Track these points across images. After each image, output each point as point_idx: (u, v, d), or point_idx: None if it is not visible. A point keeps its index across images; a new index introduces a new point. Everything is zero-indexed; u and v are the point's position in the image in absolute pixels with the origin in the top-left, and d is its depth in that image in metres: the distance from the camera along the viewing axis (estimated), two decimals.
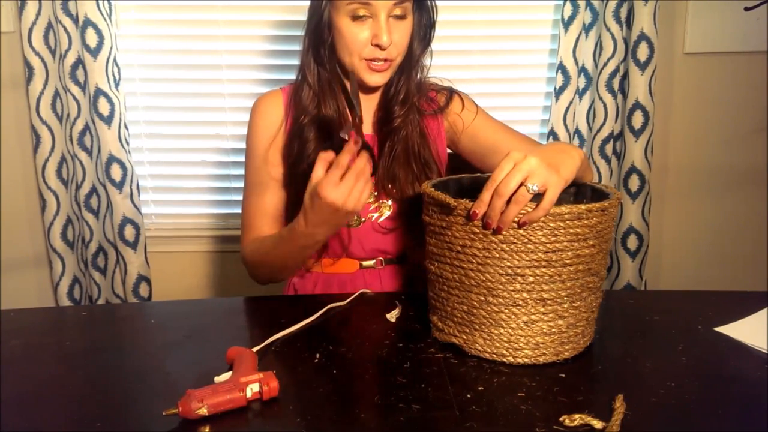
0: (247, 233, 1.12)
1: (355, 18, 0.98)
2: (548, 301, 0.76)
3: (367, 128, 1.12)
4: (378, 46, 0.99)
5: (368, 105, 1.12)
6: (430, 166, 1.10)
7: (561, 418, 0.65)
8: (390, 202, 1.11)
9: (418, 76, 1.11)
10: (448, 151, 1.19)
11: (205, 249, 1.89)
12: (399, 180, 1.08)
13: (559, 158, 0.77)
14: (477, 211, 0.74)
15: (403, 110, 1.08)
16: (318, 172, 0.87)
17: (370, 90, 1.10)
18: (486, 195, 0.73)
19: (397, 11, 0.99)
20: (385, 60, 1.01)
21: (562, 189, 0.75)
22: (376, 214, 1.11)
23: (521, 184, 0.72)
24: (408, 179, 1.08)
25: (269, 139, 1.10)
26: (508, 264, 0.75)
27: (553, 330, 0.77)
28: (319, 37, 1.03)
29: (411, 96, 1.10)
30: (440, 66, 1.16)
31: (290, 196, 1.10)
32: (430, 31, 1.10)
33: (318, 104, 1.07)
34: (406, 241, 1.12)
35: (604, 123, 1.71)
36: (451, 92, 1.16)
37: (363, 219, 1.10)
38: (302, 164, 1.06)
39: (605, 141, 1.72)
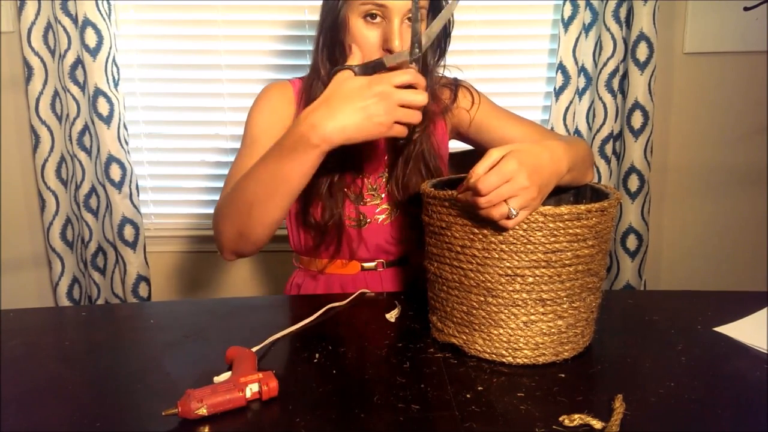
0: (225, 190, 1.00)
1: (368, 19, 0.96)
2: (548, 302, 0.76)
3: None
4: (388, 51, 0.95)
5: None
6: (439, 173, 1.09)
7: (560, 418, 0.65)
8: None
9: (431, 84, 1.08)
10: (450, 150, 1.19)
11: (205, 249, 1.89)
12: (410, 189, 1.07)
13: (548, 172, 0.77)
14: (458, 193, 0.75)
15: (420, 126, 1.06)
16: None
17: None
18: (468, 185, 0.72)
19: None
20: None
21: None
22: (382, 216, 1.10)
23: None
24: (419, 188, 1.07)
25: (273, 123, 1.06)
26: (508, 264, 0.75)
27: (553, 330, 0.77)
28: (334, 36, 1.00)
29: (429, 110, 1.07)
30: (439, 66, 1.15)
31: None
32: (446, 41, 1.07)
33: None
34: (408, 243, 1.11)
35: (603, 123, 1.71)
36: (455, 85, 1.13)
37: (369, 219, 1.09)
38: None
39: (605, 141, 1.72)
